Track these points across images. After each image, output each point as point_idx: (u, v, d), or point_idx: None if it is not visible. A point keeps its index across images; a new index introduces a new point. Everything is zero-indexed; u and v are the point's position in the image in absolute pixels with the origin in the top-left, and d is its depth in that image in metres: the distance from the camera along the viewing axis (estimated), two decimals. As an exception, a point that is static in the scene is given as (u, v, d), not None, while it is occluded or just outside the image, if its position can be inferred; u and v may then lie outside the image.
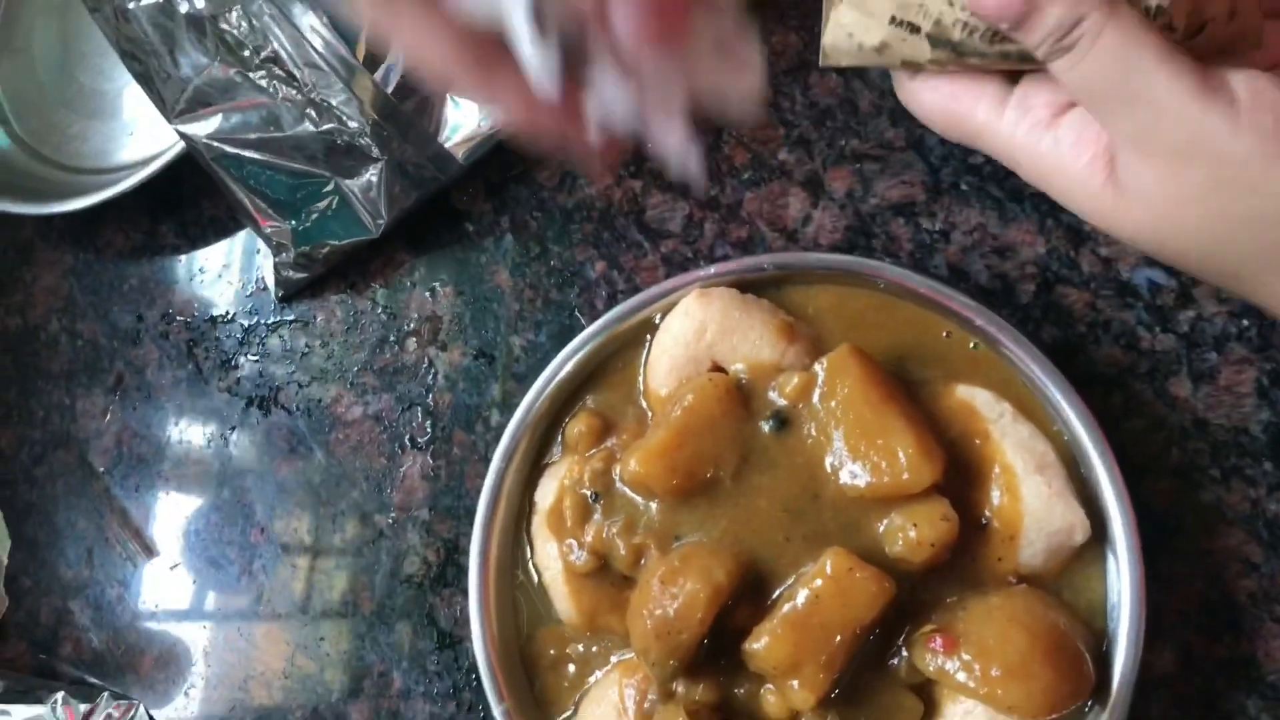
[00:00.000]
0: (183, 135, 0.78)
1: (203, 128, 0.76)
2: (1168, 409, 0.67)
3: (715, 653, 0.63)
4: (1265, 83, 0.40)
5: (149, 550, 0.87)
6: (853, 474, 0.63)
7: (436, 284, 0.83)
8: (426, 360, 0.82)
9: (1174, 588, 0.66)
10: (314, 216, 0.79)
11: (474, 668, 0.77)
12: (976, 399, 0.65)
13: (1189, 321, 0.67)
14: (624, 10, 0.36)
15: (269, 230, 0.81)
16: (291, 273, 0.83)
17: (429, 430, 0.81)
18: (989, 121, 0.46)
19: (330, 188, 0.77)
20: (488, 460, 0.73)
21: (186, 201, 0.91)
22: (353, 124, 0.74)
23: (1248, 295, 0.47)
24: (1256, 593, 0.65)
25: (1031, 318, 0.70)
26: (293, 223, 0.80)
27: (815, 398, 0.65)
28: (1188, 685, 0.65)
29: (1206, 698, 0.64)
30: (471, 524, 0.73)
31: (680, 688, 0.64)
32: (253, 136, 0.76)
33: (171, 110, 0.77)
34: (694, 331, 0.69)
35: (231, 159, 0.77)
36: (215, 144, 0.77)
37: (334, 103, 0.74)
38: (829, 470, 0.64)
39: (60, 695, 0.83)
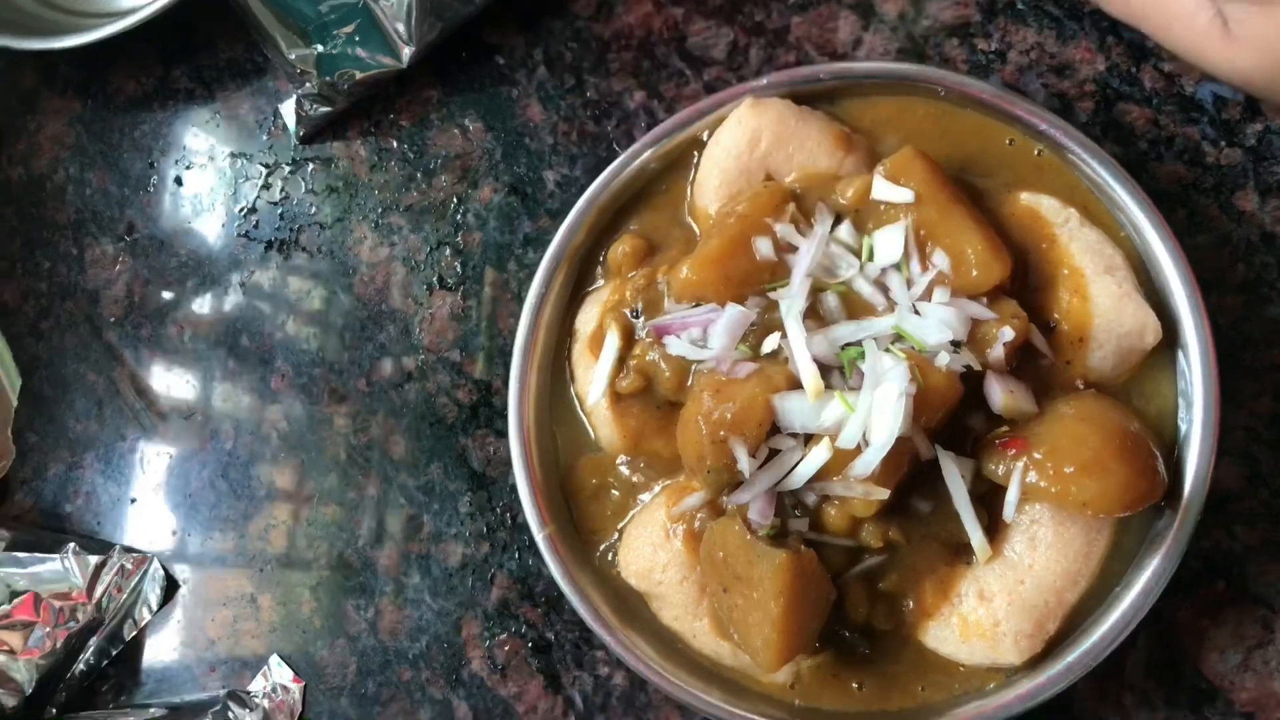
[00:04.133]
0: (204, -48, 0.74)
1: (227, -60, 0.73)
2: (1234, 223, 0.65)
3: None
4: None
5: (160, 405, 0.84)
6: (918, 274, 0.61)
7: (466, 120, 0.80)
8: (455, 198, 0.79)
9: (1240, 404, 0.64)
10: (340, 41, 0.76)
11: (509, 508, 0.74)
12: (1041, 204, 0.63)
13: (1256, 135, 0.65)
14: None
15: (294, 58, 0.77)
16: (314, 107, 0.79)
17: (459, 270, 0.78)
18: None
19: (359, 7, 0.74)
20: (521, 299, 0.70)
21: (201, 44, 0.87)
22: (386, -67, 0.71)
23: None
24: (1326, 405, 0.63)
25: (1092, 136, 0.68)
26: (318, 48, 0.76)
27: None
28: (1255, 500, 0.63)
29: (1273, 512, 0.63)
30: (505, 364, 0.71)
31: (731, 503, 0.62)
32: (279, -50, 0.73)
33: (193, -78, 0.73)
34: (747, 141, 0.66)
35: (256, -25, 0.74)
36: (239, -43, 0.73)
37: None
38: (893, 272, 0.61)
39: (72, 546, 0.80)
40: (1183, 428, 0.61)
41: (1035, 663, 0.60)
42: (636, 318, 0.67)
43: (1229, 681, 0.62)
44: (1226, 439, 0.63)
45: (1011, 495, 0.58)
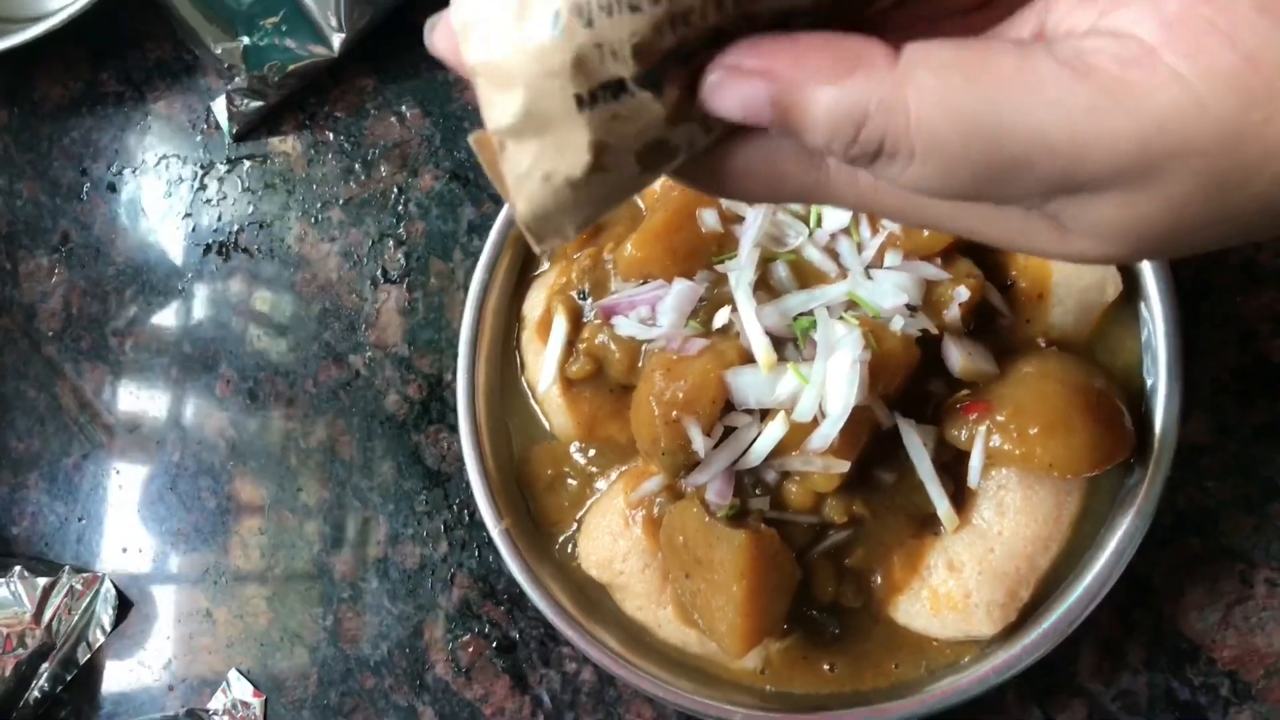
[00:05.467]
0: (119, -54, 0.72)
1: (140, -70, 0.70)
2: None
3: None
4: (1159, 12, 0.24)
5: (104, 419, 0.81)
6: (868, 239, 0.59)
7: (403, 107, 0.77)
8: (396, 188, 0.77)
9: (1206, 355, 0.62)
10: (267, 32, 0.73)
11: (465, 503, 0.72)
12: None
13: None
14: None
15: (220, 52, 0.75)
16: (245, 102, 0.77)
17: (402, 261, 0.76)
18: (807, 172, 0.29)
19: (284, -7, 0.71)
20: (468, 287, 0.67)
21: (127, 45, 0.84)
22: (305, -84, 0.69)
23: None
24: (1294, 351, 0.61)
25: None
26: (245, 40, 0.74)
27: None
28: (1224, 452, 0.61)
29: (1244, 464, 0.61)
30: (454, 356, 0.68)
31: (689, 485, 0.59)
32: (196, -61, 0.70)
33: (105, -86, 0.71)
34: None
35: (174, -33, 0.71)
36: (155, -51, 0.71)
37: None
38: (842, 238, 0.59)
39: (18, 569, 0.77)
40: (1148, 381, 0.59)
41: (1010, 632, 0.58)
42: (584, 299, 0.65)
43: (1210, 640, 0.60)
44: (1193, 391, 0.61)
45: (975, 461, 0.56)
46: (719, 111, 0.26)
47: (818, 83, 0.25)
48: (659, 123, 0.26)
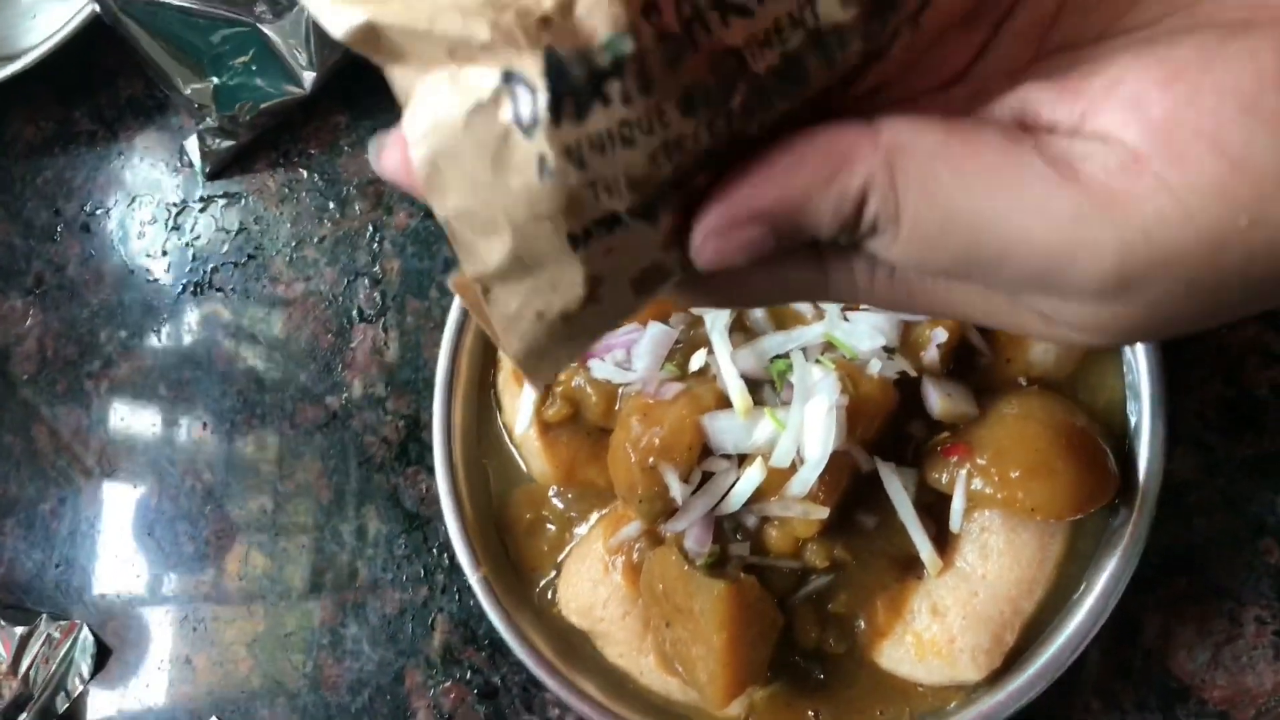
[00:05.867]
0: (85, -14, 0.71)
1: (106, -29, 0.69)
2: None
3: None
4: (1144, 116, 0.24)
5: (82, 463, 0.80)
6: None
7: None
8: (370, 226, 0.76)
9: (1190, 389, 0.61)
10: (237, 71, 0.72)
11: (445, 546, 0.71)
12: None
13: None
14: None
15: (190, 92, 0.74)
16: (217, 142, 0.76)
17: (378, 300, 0.75)
18: (809, 276, 0.29)
19: (252, 34, 0.71)
20: (444, 326, 0.66)
21: (99, 84, 0.83)
22: (272, -44, 0.68)
23: None
24: (1279, 384, 0.60)
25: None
26: (214, 80, 0.73)
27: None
28: (1211, 488, 0.60)
29: (1230, 499, 0.60)
30: (431, 396, 0.67)
31: (668, 531, 0.59)
32: (163, -21, 0.69)
33: (70, -43, 0.70)
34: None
35: (141, 8, 0.70)
36: (122, -10, 0.70)
37: (250, -63, 0.67)
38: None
39: (-7, 618, 0.76)
40: (1132, 419, 0.58)
41: (996, 677, 0.57)
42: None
43: (1200, 679, 0.59)
44: (1178, 427, 0.60)
45: (957, 504, 0.55)
46: (725, 265, 0.26)
47: (819, 191, 0.25)
48: (654, 249, 0.25)
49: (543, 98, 0.22)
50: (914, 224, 0.25)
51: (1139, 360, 0.57)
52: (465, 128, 0.22)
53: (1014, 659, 0.57)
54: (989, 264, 0.25)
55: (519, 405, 0.64)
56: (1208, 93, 0.23)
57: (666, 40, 0.22)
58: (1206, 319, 0.26)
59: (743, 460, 0.57)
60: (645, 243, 0.25)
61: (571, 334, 0.26)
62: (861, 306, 0.57)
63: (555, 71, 0.22)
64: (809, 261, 0.28)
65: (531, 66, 0.22)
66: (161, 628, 0.76)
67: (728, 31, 0.22)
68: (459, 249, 0.24)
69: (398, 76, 0.23)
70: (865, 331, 0.56)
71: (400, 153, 0.24)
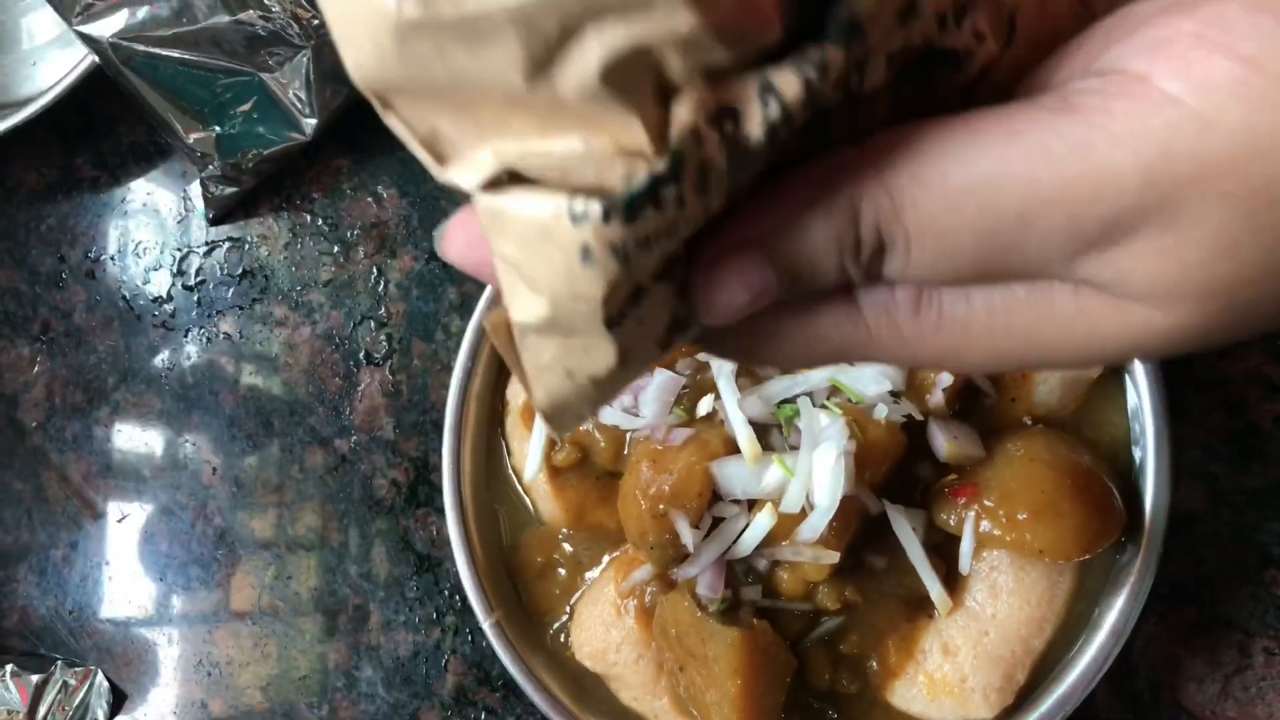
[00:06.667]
0: (87, 40, 0.71)
1: (108, 26, 0.69)
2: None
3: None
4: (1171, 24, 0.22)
5: (93, 507, 0.80)
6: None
7: (379, 187, 0.77)
8: (375, 270, 0.76)
9: (1194, 420, 0.62)
10: (239, 120, 0.73)
11: (457, 589, 0.71)
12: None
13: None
14: None
15: (192, 141, 0.74)
16: (221, 189, 0.76)
17: (385, 344, 0.75)
18: (844, 328, 0.26)
19: (254, 83, 0.71)
20: (451, 368, 0.67)
21: (101, 130, 0.84)
22: (274, 8, 0.68)
23: None
24: (1283, 416, 0.61)
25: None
26: (216, 129, 0.73)
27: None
28: (1218, 520, 0.61)
29: (1237, 531, 0.61)
30: (440, 438, 0.68)
31: (680, 576, 0.59)
32: (164, 33, 0.69)
33: (71, 11, 0.70)
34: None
35: (143, 61, 0.71)
36: (124, 44, 0.70)
37: (250, -11, 0.68)
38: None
39: (10, 667, 0.77)
40: (1137, 455, 0.58)
41: (1008, 715, 0.57)
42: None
43: (1210, 711, 0.60)
44: (1184, 458, 0.61)
45: (966, 546, 0.56)
46: (726, 317, 0.24)
47: (810, 207, 0.23)
48: (673, 301, 0.25)
49: (595, 207, 0.22)
50: (918, 217, 0.23)
51: (1142, 394, 0.57)
52: None
53: (1025, 696, 0.57)
54: (1014, 236, 0.22)
55: (528, 449, 0.65)
56: (1207, 5, 0.21)
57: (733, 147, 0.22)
58: None
59: (752, 505, 0.57)
60: (665, 300, 0.25)
61: (600, 393, 0.26)
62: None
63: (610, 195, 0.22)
64: (841, 307, 0.26)
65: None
66: (176, 672, 0.76)
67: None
68: (505, 290, 0.25)
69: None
70: (871, 375, 0.56)
71: (464, 234, 0.24)
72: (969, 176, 0.22)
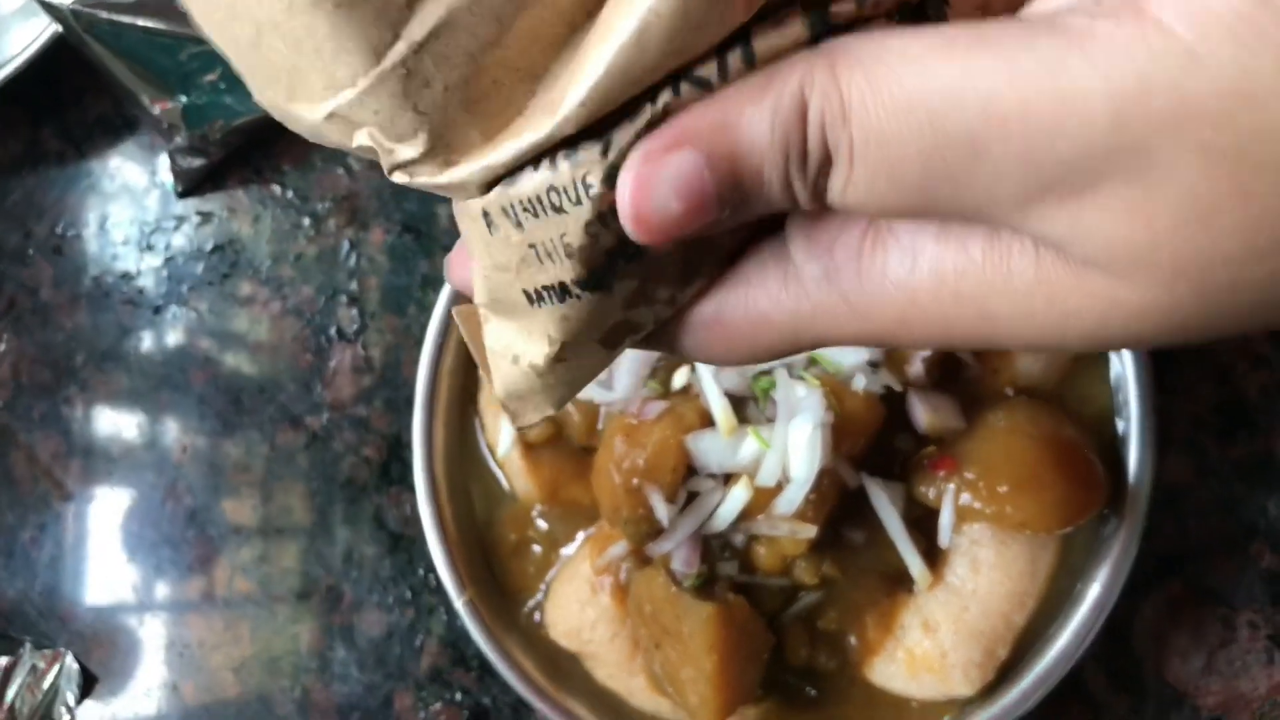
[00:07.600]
0: (49, 8, 0.69)
1: (67, -8, 0.68)
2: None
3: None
4: None
5: (61, 487, 0.79)
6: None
7: (350, 158, 0.75)
8: (347, 243, 0.75)
9: (1182, 393, 0.61)
10: (206, 90, 0.71)
11: (431, 567, 0.70)
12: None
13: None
14: None
15: (159, 112, 0.72)
16: (189, 161, 0.75)
17: (357, 319, 0.74)
18: (786, 304, 0.24)
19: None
20: (423, 343, 0.65)
21: (68, 102, 0.82)
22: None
23: None
24: (1269, 386, 0.60)
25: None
26: (183, 99, 0.71)
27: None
28: (1205, 492, 0.60)
29: (1224, 503, 0.60)
30: (412, 414, 0.66)
31: (655, 552, 0.58)
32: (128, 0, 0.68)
33: (29, -24, 0.68)
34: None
35: (106, 29, 0.69)
36: (86, 10, 0.68)
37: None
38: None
39: (-24, 650, 0.75)
40: (1121, 426, 0.57)
41: (989, 691, 0.56)
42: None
43: (1194, 686, 0.59)
44: (1171, 430, 0.59)
45: (945, 520, 0.55)
46: (657, 231, 0.22)
47: (754, 101, 0.21)
48: (616, 311, 0.25)
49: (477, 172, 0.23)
50: (865, 121, 0.20)
51: (1127, 364, 0.56)
52: None
53: (1007, 672, 0.56)
54: (963, 164, 0.20)
55: (501, 424, 0.64)
56: None
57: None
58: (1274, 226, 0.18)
59: (728, 479, 0.56)
60: (606, 309, 0.25)
61: (547, 386, 0.26)
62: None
63: None
64: (779, 280, 0.24)
65: None
66: (147, 654, 0.75)
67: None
68: (474, 281, 0.27)
69: None
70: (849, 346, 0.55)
71: (463, 256, 0.26)
72: (924, 83, 0.19)
